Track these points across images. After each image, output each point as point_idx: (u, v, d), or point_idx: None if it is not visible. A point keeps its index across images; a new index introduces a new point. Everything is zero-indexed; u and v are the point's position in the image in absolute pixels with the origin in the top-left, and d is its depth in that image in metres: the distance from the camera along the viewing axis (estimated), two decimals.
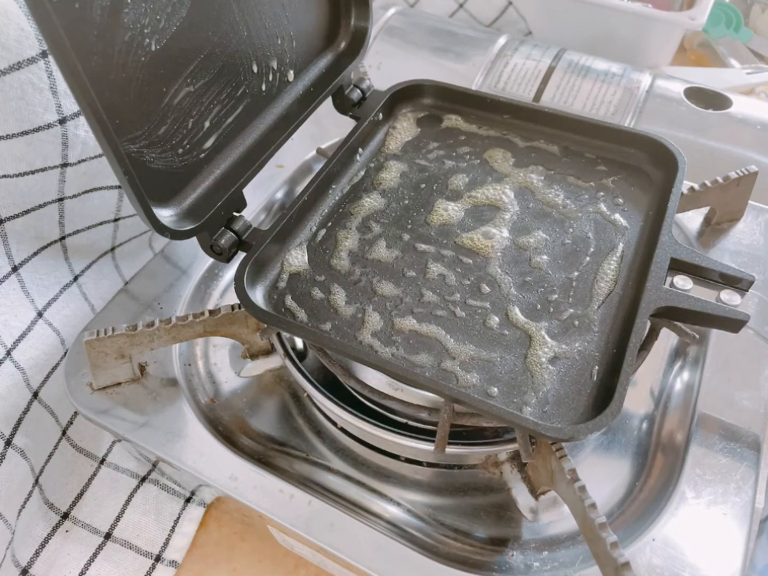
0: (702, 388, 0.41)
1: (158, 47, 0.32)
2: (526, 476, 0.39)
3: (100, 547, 0.44)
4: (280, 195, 0.56)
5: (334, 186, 0.46)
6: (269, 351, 0.46)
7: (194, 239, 0.37)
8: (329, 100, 0.48)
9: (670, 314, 0.36)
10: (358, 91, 0.49)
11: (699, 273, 0.37)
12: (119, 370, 0.42)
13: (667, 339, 0.46)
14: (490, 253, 0.41)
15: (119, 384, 0.42)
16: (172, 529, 0.45)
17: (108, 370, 0.41)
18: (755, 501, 0.36)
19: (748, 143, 0.58)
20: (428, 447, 0.38)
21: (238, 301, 0.37)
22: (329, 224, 0.44)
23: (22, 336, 0.43)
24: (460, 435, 0.38)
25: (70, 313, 0.47)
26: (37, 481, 0.44)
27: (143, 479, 0.47)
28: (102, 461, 0.47)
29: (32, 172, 0.40)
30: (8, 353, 0.42)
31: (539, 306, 0.38)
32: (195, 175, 0.37)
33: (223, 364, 0.46)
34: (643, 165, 0.45)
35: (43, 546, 0.44)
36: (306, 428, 0.43)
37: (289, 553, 0.44)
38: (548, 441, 0.34)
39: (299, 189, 0.49)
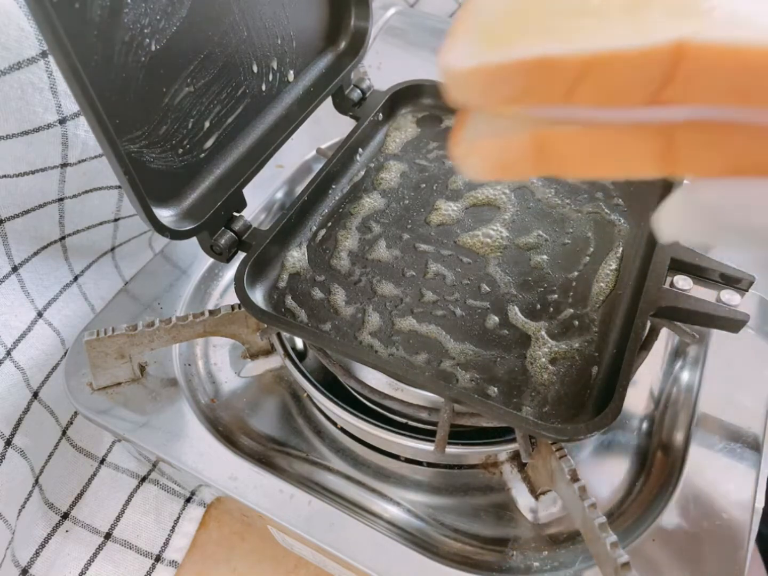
0: (702, 388, 0.41)
1: (158, 47, 0.32)
2: (526, 476, 0.39)
3: (100, 547, 0.44)
4: (280, 195, 0.56)
5: (334, 186, 0.46)
6: (269, 351, 0.46)
7: (194, 239, 0.37)
8: (329, 100, 0.48)
9: (670, 314, 0.36)
10: (358, 91, 0.49)
11: (699, 273, 0.37)
12: (119, 370, 0.42)
13: (667, 339, 0.46)
14: (489, 253, 0.41)
15: (119, 384, 0.42)
16: (172, 529, 0.45)
17: (108, 370, 0.41)
18: (755, 501, 0.36)
19: None
20: (428, 447, 0.38)
21: (238, 301, 0.37)
22: (329, 224, 0.44)
23: (22, 336, 0.43)
24: (460, 435, 0.38)
25: (70, 313, 0.47)
26: (37, 481, 0.44)
27: (143, 479, 0.47)
28: (102, 461, 0.47)
29: (32, 172, 0.40)
30: (8, 353, 0.42)
31: (539, 306, 0.38)
32: (195, 175, 0.37)
33: (223, 364, 0.46)
34: None
35: (43, 546, 0.44)
36: (306, 428, 0.43)
37: (289, 553, 0.44)
38: (548, 441, 0.34)
39: (299, 189, 0.49)
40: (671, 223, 0.18)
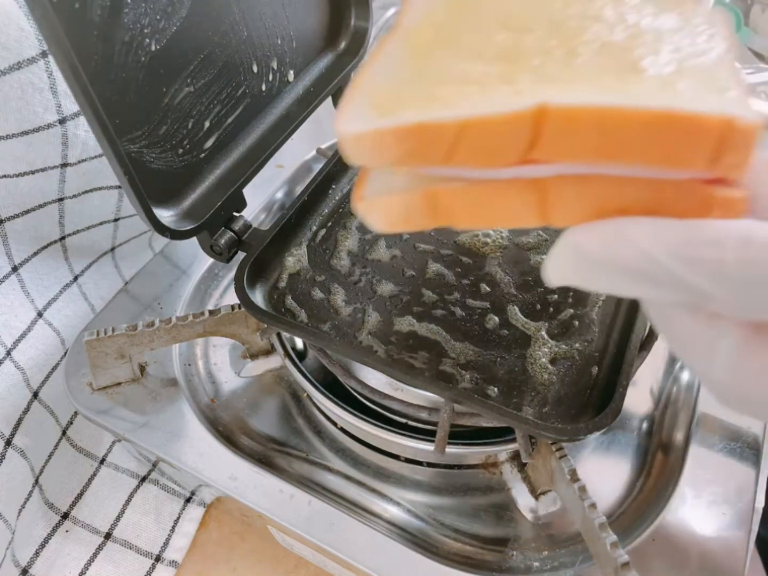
0: (702, 387, 0.41)
1: (158, 47, 0.32)
2: (525, 476, 0.39)
3: (100, 547, 0.44)
4: (280, 195, 0.56)
5: (334, 186, 0.46)
6: (269, 351, 0.46)
7: (194, 239, 0.37)
8: (329, 100, 0.48)
9: None
10: None
11: None
12: (119, 370, 0.42)
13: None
14: (489, 253, 0.41)
15: (119, 384, 0.42)
16: (172, 529, 0.45)
17: (108, 370, 0.41)
18: (755, 501, 0.36)
19: None
20: (428, 447, 0.38)
21: (238, 301, 0.37)
22: (329, 224, 0.44)
23: (22, 336, 0.43)
24: (460, 435, 0.38)
25: (70, 313, 0.47)
26: (37, 481, 0.44)
27: (143, 479, 0.47)
28: (102, 461, 0.47)
29: (32, 172, 0.40)
30: (8, 353, 0.42)
31: (539, 306, 0.38)
32: (195, 175, 0.37)
33: (223, 364, 0.46)
34: None
35: (43, 546, 0.44)
36: (306, 428, 0.43)
37: (289, 553, 0.44)
38: (548, 441, 0.34)
39: (299, 189, 0.49)
40: (556, 269, 0.19)
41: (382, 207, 0.29)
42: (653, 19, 0.30)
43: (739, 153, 0.23)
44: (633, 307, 0.36)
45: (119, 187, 0.47)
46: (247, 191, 0.40)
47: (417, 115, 0.25)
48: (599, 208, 0.25)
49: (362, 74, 0.29)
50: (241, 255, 0.40)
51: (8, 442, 0.41)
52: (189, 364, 0.45)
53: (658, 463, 0.39)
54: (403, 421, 0.41)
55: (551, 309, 0.38)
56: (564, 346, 0.36)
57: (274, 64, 0.41)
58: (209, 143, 0.38)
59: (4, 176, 0.39)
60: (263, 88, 0.41)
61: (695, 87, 0.24)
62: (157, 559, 0.44)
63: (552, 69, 0.27)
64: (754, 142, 0.23)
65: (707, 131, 0.22)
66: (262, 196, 0.54)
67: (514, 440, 0.37)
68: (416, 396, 0.38)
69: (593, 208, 0.25)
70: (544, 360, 0.36)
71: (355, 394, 0.42)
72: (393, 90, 0.28)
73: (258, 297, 0.39)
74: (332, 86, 0.46)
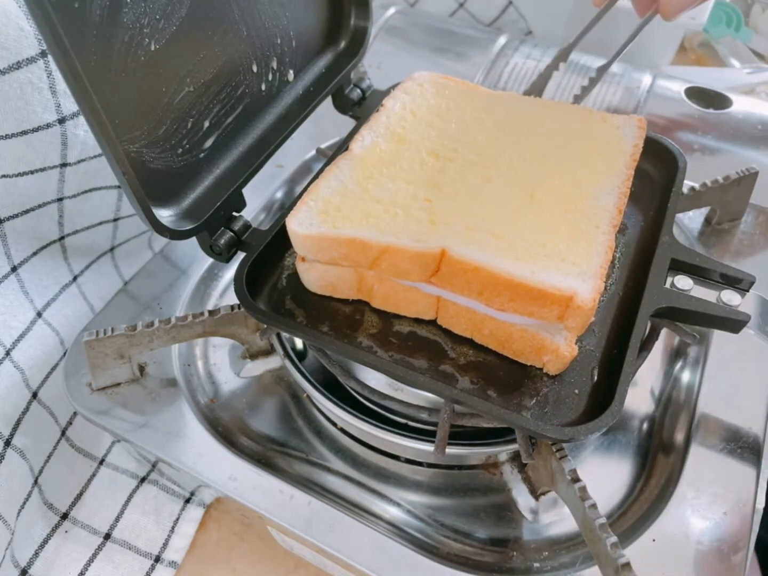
0: (702, 388, 0.41)
1: (158, 47, 0.32)
2: (526, 477, 0.39)
3: (99, 548, 0.44)
4: (279, 195, 0.56)
5: None
6: (269, 351, 0.46)
7: (194, 239, 0.37)
8: (329, 100, 0.48)
9: (671, 314, 0.35)
10: (358, 90, 0.49)
11: (699, 273, 0.37)
12: (119, 370, 0.42)
13: (667, 339, 0.45)
14: None
15: (119, 384, 0.42)
16: (172, 530, 0.45)
17: (107, 370, 0.41)
18: (755, 502, 0.36)
19: (749, 143, 0.58)
20: (428, 447, 0.38)
21: (238, 302, 0.37)
22: None
23: (22, 336, 0.43)
24: (460, 436, 0.38)
25: (69, 313, 0.47)
26: (36, 481, 0.44)
27: (143, 480, 0.46)
28: (101, 462, 0.47)
29: (31, 172, 0.40)
30: (7, 353, 0.42)
31: None
32: (194, 175, 0.37)
33: (223, 365, 0.46)
34: (644, 165, 0.45)
35: (42, 546, 0.44)
36: (306, 429, 0.43)
37: (288, 553, 0.44)
38: (548, 441, 0.34)
39: (299, 189, 0.49)
40: None
41: (318, 272, 0.36)
42: (562, 149, 0.39)
43: (577, 319, 0.31)
44: (633, 306, 0.36)
45: (119, 186, 0.47)
46: (247, 191, 0.40)
47: (353, 231, 0.33)
48: (471, 327, 0.34)
49: (316, 183, 0.37)
50: (240, 255, 0.39)
51: (7, 443, 0.41)
52: (188, 365, 0.45)
53: (659, 464, 0.39)
54: (403, 421, 0.41)
55: None
56: None
57: (274, 64, 0.41)
58: (209, 143, 0.38)
59: (4, 176, 0.39)
60: (263, 87, 0.41)
61: (562, 249, 0.33)
62: (157, 559, 0.43)
63: (463, 200, 0.35)
64: (589, 313, 0.31)
65: (553, 302, 0.31)
66: (262, 196, 0.54)
67: (514, 441, 0.37)
68: (416, 396, 0.38)
69: (467, 325, 0.34)
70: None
71: (355, 394, 0.42)
72: (338, 201, 0.35)
73: (258, 297, 0.39)
74: (332, 86, 0.46)
